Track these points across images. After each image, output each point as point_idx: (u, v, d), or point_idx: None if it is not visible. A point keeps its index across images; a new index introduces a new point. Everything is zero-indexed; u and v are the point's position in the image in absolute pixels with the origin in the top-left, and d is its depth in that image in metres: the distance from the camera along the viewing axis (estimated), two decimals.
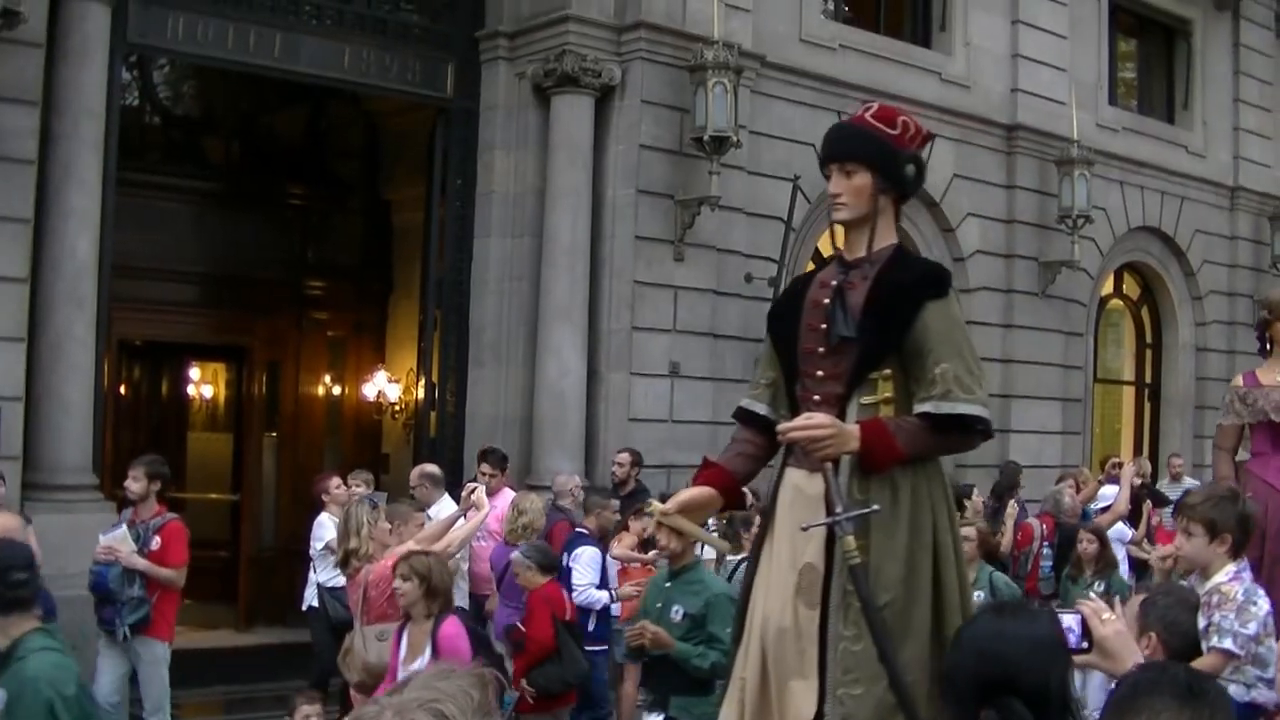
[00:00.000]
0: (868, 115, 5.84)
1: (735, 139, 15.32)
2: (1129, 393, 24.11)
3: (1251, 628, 6.31)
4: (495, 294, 15.87)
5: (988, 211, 19.48)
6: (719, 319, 16.06)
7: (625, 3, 15.67)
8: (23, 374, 12.37)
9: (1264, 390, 9.06)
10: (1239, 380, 9.41)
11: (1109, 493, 16.91)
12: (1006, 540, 14.55)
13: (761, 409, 5.95)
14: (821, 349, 5.61)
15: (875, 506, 5.27)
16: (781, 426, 5.54)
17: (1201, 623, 6.34)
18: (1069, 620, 4.06)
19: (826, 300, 5.63)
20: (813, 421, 5.36)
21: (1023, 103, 19.88)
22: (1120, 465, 18.56)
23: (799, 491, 5.62)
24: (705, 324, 15.93)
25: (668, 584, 9.09)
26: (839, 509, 5.16)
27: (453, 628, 8.50)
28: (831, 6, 18.57)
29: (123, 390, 20.48)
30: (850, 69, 17.70)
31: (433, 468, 13.20)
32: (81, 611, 10.79)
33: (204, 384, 22.40)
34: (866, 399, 5.52)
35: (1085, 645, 4.02)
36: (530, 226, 15.68)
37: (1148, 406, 23.90)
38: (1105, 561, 12.76)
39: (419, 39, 16.06)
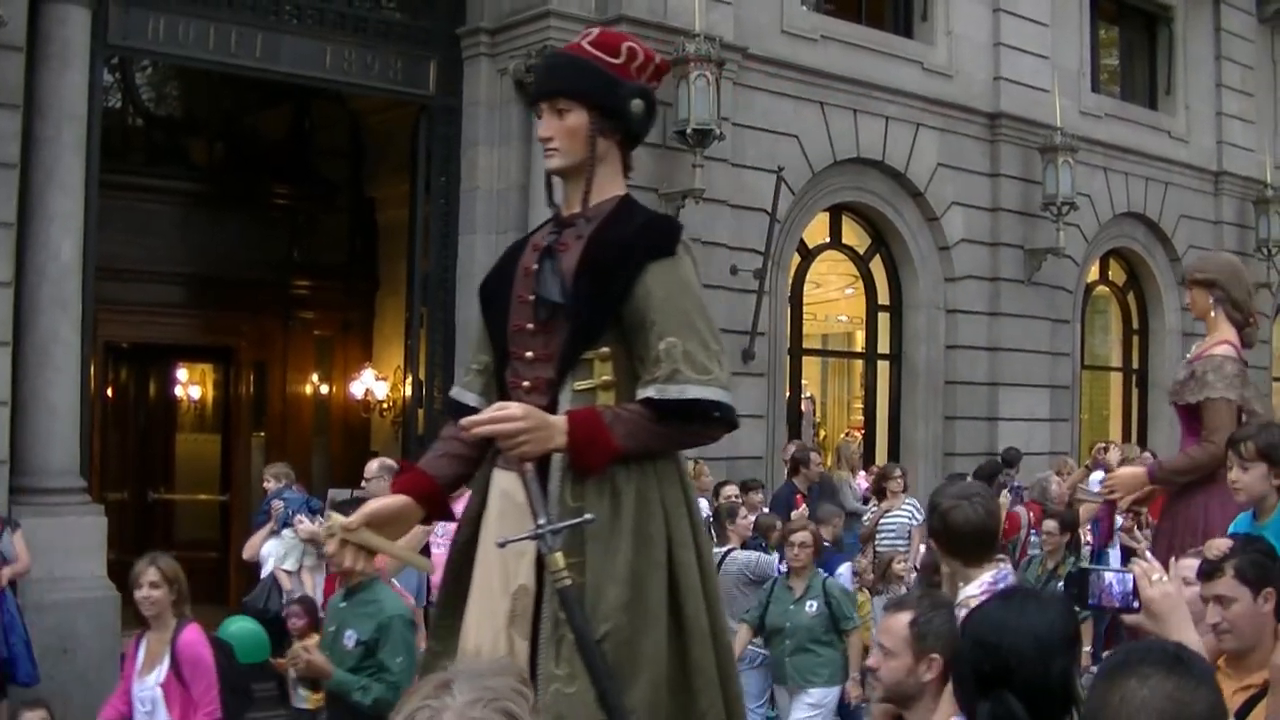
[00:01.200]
0: (585, 42, 4.94)
1: (718, 132, 15.31)
2: (1117, 379, 24.17)
3: None
4: None
5: (972, 200, 19.49)
6: None
7: None
8: (8, 378, 12.33)
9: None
10: None
11: (1099, 478, 16.88)
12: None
13: (471, 399, 5.02)
14: (531, 325, 4.78)
15: (589, 516, 4.41)
16: (465, 421, 4.73)
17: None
18: (1119, 579, 4.07)
19: (535, 266, 4.81)
20: (503, 413, 4.49)
21: (1006, 91, 19.89)
22: (1107, 449, 18.59)
23: (509, 499, 4.71)
24: None
25: (342, 604, 8.04)
26: (542, 519, 4.34)
27: (193, 634, 7.91)
28: None
29: (110, 393, 20.46)
30: (832, 60, 17.71)
31: (391, 461, 13.13)
32: (70, 615, 10.79)
33: (191, 385, 22.40)
34: (581, 384, 4.68)
35: (1135, 606, 4.01)
36: (515, 222, 15.64)
37: (1135, 392, 23.96)
38: (1068, 548, 12.74)
39: (400, 36, 16.02)
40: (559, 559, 4.29)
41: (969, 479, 15.03)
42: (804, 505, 13.31)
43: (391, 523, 4.80)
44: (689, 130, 15.09)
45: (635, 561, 4.52)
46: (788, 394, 17.89)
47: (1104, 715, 2.92)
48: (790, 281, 17.86)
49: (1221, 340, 7.82)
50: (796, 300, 18.32)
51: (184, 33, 14.31)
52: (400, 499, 4.81)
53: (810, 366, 19.49)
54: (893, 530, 14.48)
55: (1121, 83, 23.78)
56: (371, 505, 4.82)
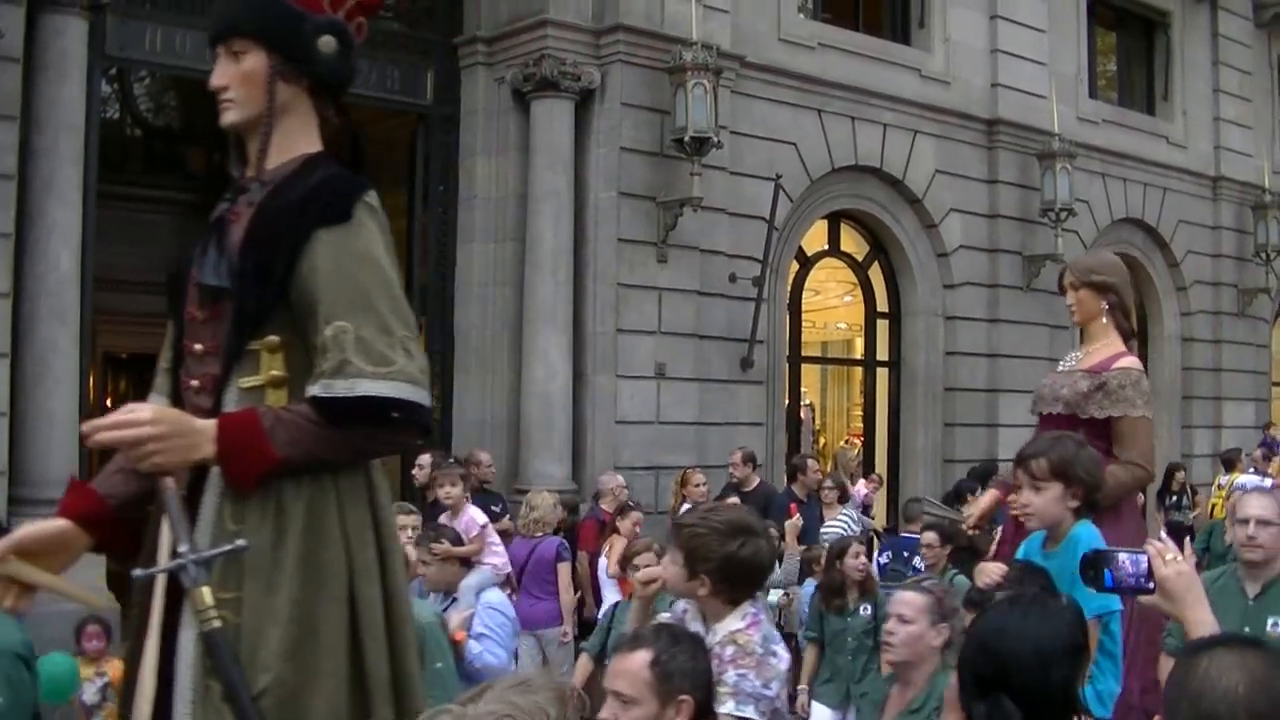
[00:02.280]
0: None
1: (716, 139, 15.30)
2: None
3: (774, 687, 4.71)
4: (479, 299, 15.87)
5: (970, 207, 19.50)
6: (703, 320, 16.05)
7: (603, 6, 15.67)
8: (7, 388, 12.33)
9: (1051, 381, 7.64)
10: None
11: None
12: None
13: (162, 401, 4.15)
14: (201, 313, 4.02)
15: (241, 543, 3.63)
16: (85, 426, 3.88)
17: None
18: (1133, 559, 4.07)
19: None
20: (127, 417, 3.70)
21: (1003, 97, 19.90)
22: None
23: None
24: (690, 325, 15.92)
25: None
26: (184, 546, 3.62)
27: None
28: (810, 5, 18.57)
29: (109, 403, 20.43)
30: (830, 67, 17.72)
31: None
32: (69, 626, 10.76)
33: None
34: (248, 380, 3.86)
35: (1150, 586, 3.99)
36: (513, 231, 15.68)
37: None
38: (951, 560, 12.36)
39: (397, 46, 16.04)
40: (205, 595, 3.58)
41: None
42: (798, 514, 13.25)
43: (50, 552, 3.97)
44: (687, 138, 15.08)
45: (303, 597, 3.71)
46: (787, 401, 17.86)
47: (1192, 680, 2.97)
48: (789, 289, 17.86)
49: (1123, 353, 7.44)
50: (795, 307, 18.32)
51: (181, 43, 14.31)
52: (58, 524, 4.00)
53: (809, 374, 19.49)
54: (829, 541, 14.30)
55: (1119, 89, 23.79)
56: (21, 531, 4.01)
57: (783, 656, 4.74)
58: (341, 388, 3.68)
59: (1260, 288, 23.64)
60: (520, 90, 15.51)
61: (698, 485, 13.84)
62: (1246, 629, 5.97)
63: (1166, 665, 5.85)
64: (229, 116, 4.12)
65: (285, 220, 3.89)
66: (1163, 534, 7.11)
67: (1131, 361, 7.39)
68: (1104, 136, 21.72)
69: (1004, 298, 19.76)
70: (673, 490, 14.61)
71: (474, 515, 11.30)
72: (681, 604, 4.99)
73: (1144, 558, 4.03)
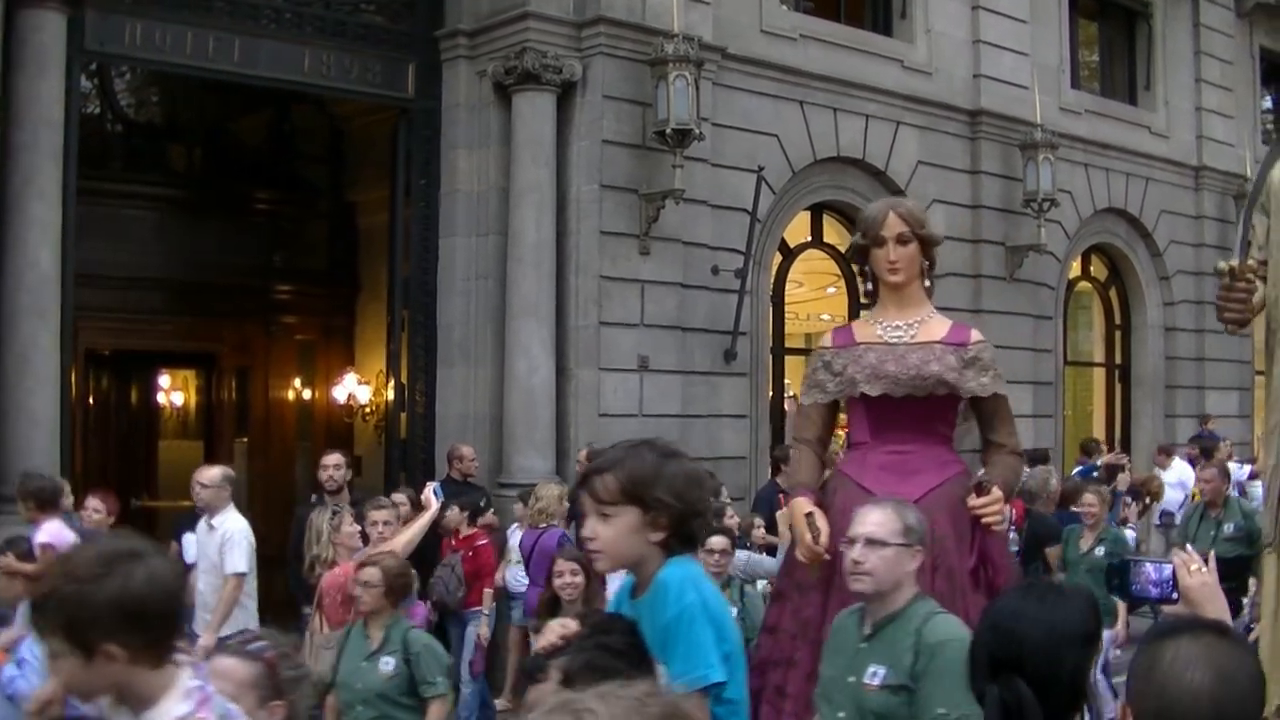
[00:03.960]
0: None
1: (698, 132, 15.27)
2: (1099, 374, 24.18)
3: None
4: (462, 293, 15.83)
5: (953, 197, 19.50)
6: (686, 312, 16.03)
7: None
8: None
9: (857, 350, 6.49)
10: (828, 338, 6.83)
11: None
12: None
13: None
14: None
15: None
16: None
17: None
18: (1157, 569, 4.10)
19: None
20: None
21: (985, 88, 19.90)
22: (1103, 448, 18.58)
23: None
24: (673, 318, 15.90)
25: None
26: None
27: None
28: None
29: (91, 400, 20.43)
30: (812, 59, 17.70)
31: (232, 470, 12.36)
32: None
33: (174, 391, 22.42)
34: None
35: (1174, 595, 4.06)
36: (495, 225, 15.65)
37: (1119, 387, 23.96)
38: None
39: (379, 40, 16.00)
40: None
41: None
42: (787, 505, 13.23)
43: None
44: (669, 130, 15.05)
45: None
46: (770, 394, 17.84)
47: (1157, 670, 3.01)
48: (772, 281, 17.85)
49: (963, 323, 6.79)
50: (778, 300, 18.30)
51: (161, 38, 14.29)
52: None
53: (793, 366, 19.41)
54: None
55: (1101, 79, 23.82)
56: None
57: None
58: None
59: None
60: (502, 83, 15.47)
61: None
62: (851, 678, 5.15)
63: None
64: None
65: None
66: (1187, 546, 6.78)
67: (979, 333, 6.65)
68: (1086, 127, 21.74)
69: (987, 288, 19.76)
70: None
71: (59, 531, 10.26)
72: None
73: (1169, 567, 4.09)
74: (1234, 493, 14.02)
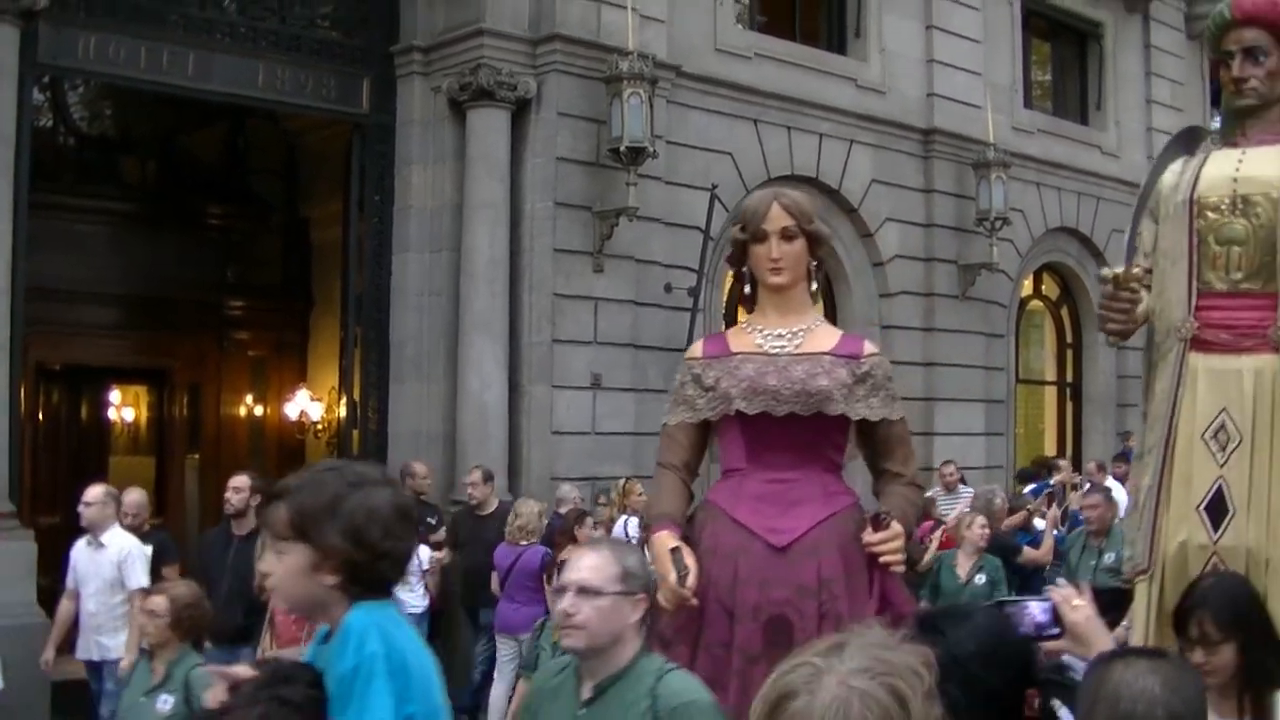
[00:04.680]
0: None
1: (652, 149, 15.31)
2: (1051, 392, 24.28)
3: None
4: (415, 309, 15.80)
5: (906, 216, 19.57)
6: (640, 330, 16.05)
7: (540, 15, 15.66)
8: None
9: (732, 361, 5.45)
10: (697, 348, 5.78)
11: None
12: (927, 558, 13.48)
13: None
14: None
15: None
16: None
17: None
18: (1041, 607, 4.08)
19: None
20: None
21: (939, 107, 19.99)
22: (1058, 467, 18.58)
23: None
24: (626, 335, 15.91)
25: None
26: None
27: None
28: (747, 15, 18.63)
29: (41, 415, 20.29)
30: (766, 77, 17.75)
31: (114, 489, 12.24)
32: (10, 643, 10.69)
33: (125, 407, 22.25)
34: None
35: (1057, 631, 3.98)
36: (449, 241, 15.63)
37: (1070, 406, 24.06)
38: None
39: (334, 55, 15.97)
40: None
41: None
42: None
43: None
44: (623, 148, 15.07)
45: None
46: None
47: (1107, 685, 3.07)
48: (725, 299, 17.86)
49: (856, 335, 5.85)
50: (731, 318, 18.26)
51: (115, 52, 14.24)
52: None
53: None
54: None
55: (1053, 99, 23.95)
56: None
57: None
58: None
59: None
60: (456, 100, 15.47)
61: (640, 495, 13.81)
62: None
63: None
64: None
65: None
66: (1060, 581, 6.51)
67: (875, 345, 5.65)
68: (1038, 146, 21.86)
69: (940, 306, 19.83)
70: (615, 500, 14.59)
71: None
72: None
73: (1051, 604, 4.02)
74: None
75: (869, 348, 5.48)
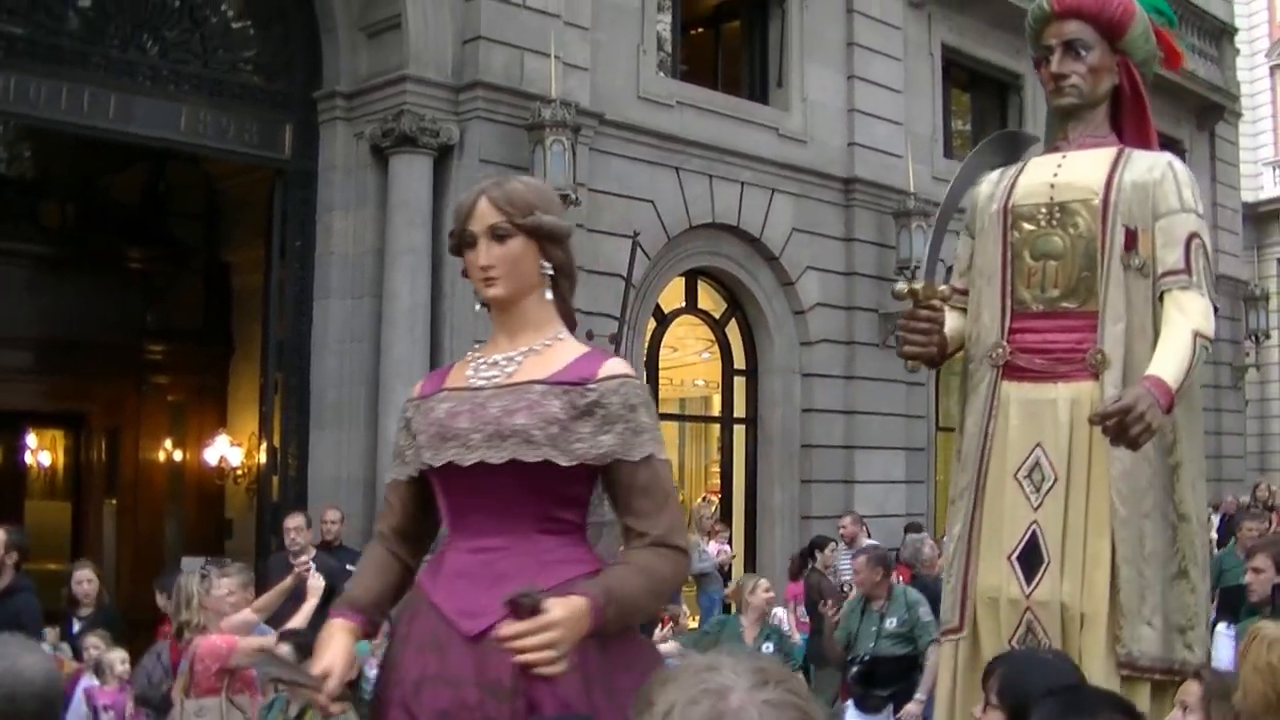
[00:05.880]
0: None
1: (574, 197, 15.33)
2: None
3: None
4: (336, 355, 15.73)
5: (827, 264, 19.69)
6: None
7: (463, 62, 15.68)
8: None
9: (433, 400, 4.14)
10: (417, 386, 4.34)
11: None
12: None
13: None
14: None
15: None
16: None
17: None
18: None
19: None
20: None
21: (859, 156, 20.14)
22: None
23: None
24: None
25: None
26: None
27: None
28: (669, 64, 18.73)
29: None
30: (688, 126, 17.84)
31: None
32: None
33: (41, 451, 22.08)
34: None
35: None
36: (370, 287, 15.58)
37: None
38: None
39: (256, 100, 15.90)
40: None
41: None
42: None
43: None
44: None
45: None
46: None
47: None
48: (646, 346, 17.91)
49: (599, 351, 4.25)
50: (653, 365, 18.36)
51: (35, 93, 14.13)
52: None
53: (668, 430, 19.52)
54: None
55: (973, 148, 24.12)
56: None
57: None
58: None
59: None
60: (379, 145, 15.44)
61: None
62: None
63: None
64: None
65: None
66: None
67: (623, 364, 4.14)
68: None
69: (860, 355, 19.94)
70: None
71: None
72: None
73: None
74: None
75: (609, 368, 4.04)
